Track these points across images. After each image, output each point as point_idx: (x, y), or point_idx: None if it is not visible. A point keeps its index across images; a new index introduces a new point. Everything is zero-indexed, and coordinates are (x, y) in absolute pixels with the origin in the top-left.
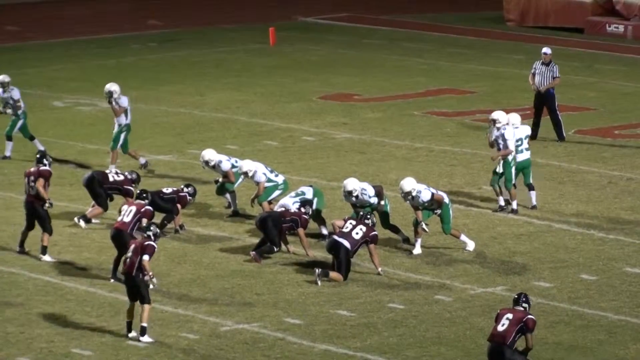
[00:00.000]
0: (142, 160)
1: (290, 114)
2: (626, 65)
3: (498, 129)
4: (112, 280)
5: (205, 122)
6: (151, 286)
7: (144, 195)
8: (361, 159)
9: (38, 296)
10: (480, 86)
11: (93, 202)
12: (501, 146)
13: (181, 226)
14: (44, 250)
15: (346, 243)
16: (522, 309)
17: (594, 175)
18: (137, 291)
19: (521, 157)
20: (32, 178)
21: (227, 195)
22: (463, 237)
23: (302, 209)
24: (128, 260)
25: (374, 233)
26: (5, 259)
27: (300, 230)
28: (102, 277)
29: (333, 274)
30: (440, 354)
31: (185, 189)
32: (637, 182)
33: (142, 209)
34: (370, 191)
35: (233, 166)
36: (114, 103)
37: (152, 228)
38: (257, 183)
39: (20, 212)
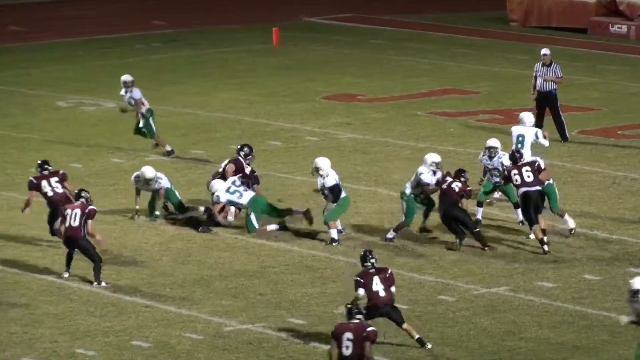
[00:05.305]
0: (168, 148)
1: (294, 114)
2: (629, 65)
3: (491, 157)
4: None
5: (210, 123)
6: None
7: (82, 194)
8: (365, 159)
9: (42, 296)
10: (484, 86)
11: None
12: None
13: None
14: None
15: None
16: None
17: (598, 175)
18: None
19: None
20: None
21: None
22: (567, 217)
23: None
24: (384, 292)
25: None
26: (9, 259)
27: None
28: (105, 277)
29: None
30: (443, 354)
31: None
32: None
33: (87, 210)
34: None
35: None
36: (128, 96)
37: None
38: (215, 203)
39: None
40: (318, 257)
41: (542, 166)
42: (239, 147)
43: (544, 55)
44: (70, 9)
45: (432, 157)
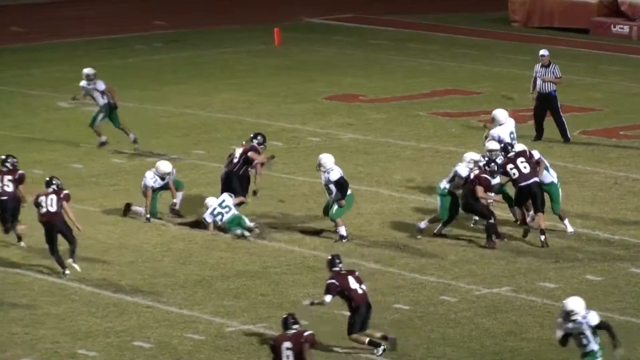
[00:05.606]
0: (103, 139)
1: (295, 114)
2: (631, 66)
3: (491, 159)
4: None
5: (211, 123)
6: None
7: (53, 181)
8: (366, 159)
9: (43, 297)
10: (486, 87)
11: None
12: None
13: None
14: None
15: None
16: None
17: (600, 176)
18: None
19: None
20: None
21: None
22: (566, 221)
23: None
24: (361, 290)
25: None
26: (10, 259)
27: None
28: (107, 277)
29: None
30: (445, 354)
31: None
32: None
33: (62, 195)
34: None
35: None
36: (91, 87)
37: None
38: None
39: (22, 213)
40: (319, 258)
41: (535, 155)
42: (252, 135)
43: (542, 56)
44: (70, 9)
45: (471, 155)
